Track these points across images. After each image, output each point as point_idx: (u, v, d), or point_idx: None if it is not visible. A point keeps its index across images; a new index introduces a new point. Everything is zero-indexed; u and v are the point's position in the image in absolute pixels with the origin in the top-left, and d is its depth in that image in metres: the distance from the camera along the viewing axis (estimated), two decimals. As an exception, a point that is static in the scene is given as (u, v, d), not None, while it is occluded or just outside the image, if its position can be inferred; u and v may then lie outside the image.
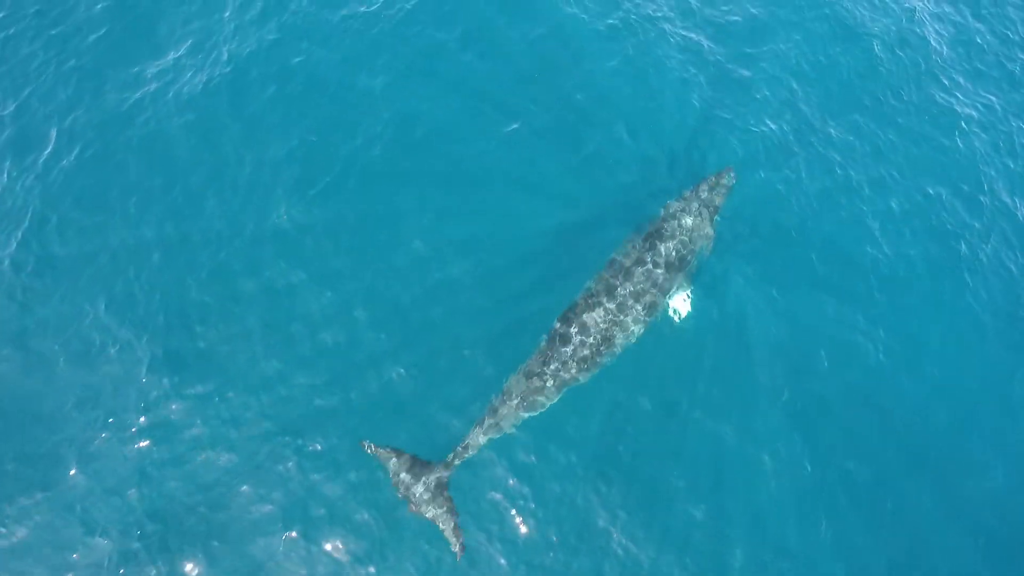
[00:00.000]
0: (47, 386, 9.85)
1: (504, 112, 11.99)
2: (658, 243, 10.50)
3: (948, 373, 10.63)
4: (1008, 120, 12.88)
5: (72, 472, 9.37)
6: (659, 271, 10.32)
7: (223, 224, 10.85)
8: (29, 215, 10.80)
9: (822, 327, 10.79)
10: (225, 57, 12.10)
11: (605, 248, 10.67)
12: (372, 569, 9.00)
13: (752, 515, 9.58)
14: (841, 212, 11.69)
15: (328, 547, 9.10)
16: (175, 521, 9.19)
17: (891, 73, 13.05)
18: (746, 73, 12.74)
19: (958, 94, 12.99)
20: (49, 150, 11.29)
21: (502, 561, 9.07)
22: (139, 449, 9.51)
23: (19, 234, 10.67)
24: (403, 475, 9.18)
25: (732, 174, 11.32)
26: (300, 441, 9.61)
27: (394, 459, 9.26)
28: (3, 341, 10.05)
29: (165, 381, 9.84)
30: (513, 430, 9.62)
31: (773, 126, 12.30)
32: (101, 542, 9.05)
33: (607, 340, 9.90)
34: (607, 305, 10.00)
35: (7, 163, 11.26)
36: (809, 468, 9.87)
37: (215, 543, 9.12)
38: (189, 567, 8.98)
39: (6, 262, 10.49)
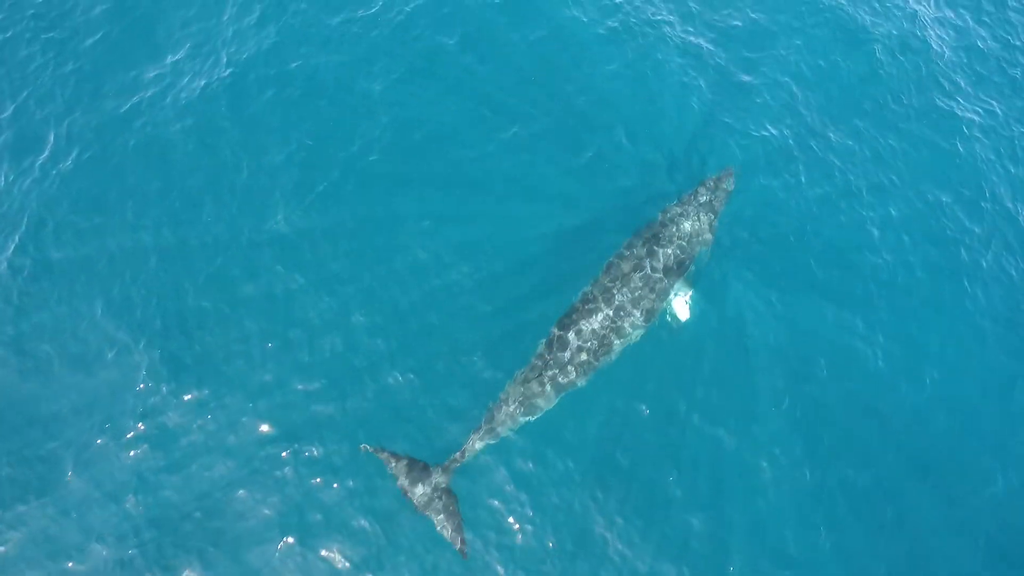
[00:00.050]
0: (44, 390, 9.82)
1: (503, 115, 11.96)
2: (657, 248, 10.47)
3: (948, 379, 10.58)
4: (1009, 125, 12.83)
5: (68, 477, 9.33)
6: (658, 276, 10.28)
7: (221, 228, 10.82)
8: (26, 218, 10.78)
9: (822, 332, 10.75)
10: (223, 61, 12.07)
11: (604, 252, 10.63)
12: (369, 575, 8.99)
13: (751, 522, 9.54)
14: (841, 217, 11.65)
15: (325, 553, 9.07)
16: (172, 527, 9.16)
17: (892, 78, 13.01)
18: (746, 77, 12.71)
19: (959, 99, 12.95)
20: (46, 153, 11.27)
21: (499, 568, 9.04)
22: (136, 454, 9.48)
23: (16, 237, 10.64)
24: (403, 478, 9.18)
25: (731, 179, 11.28)
26: (297, 447, 9.58)
27: (393, 463, 9.25)
28: None
29: (162, 386, 9.81)
30: (511, 434, 9.60)
31: (773, 130, 12.26)
32: (97, 548, 9.02)
33: (605, 345, 9.87)
34: (605, 310, 9.96)
35: (4, 166, 11.24)
36: (808, 475, 9.83)
37: (212, 549, 9.09)
38: (186, 574, 8.94)
39: (3, 265, 10.47)
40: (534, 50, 12.56)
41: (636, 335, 10.11)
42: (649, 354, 10.29)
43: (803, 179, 11.88)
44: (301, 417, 9.76)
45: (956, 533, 9.73)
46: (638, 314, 10.07)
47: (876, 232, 11.52)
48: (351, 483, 9.39)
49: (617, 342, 9.97)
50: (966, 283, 11.26)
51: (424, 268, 10.77)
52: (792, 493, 9.72)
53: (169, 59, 12.07)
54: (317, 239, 10.86)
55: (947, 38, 13.68)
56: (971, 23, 14.03)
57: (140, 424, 9.62)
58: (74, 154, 11.26)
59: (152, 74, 11.92)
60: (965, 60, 13.46)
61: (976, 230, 11.68)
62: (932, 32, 13.63)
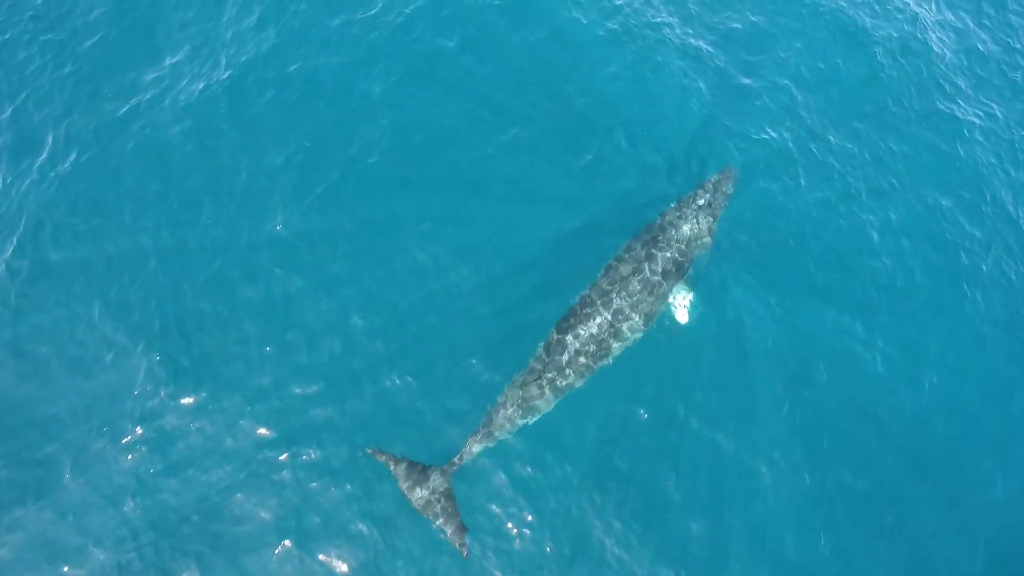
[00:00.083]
0: (41, 392, 9.81)
1: (503, 117, 11.94)
2: (656, 251, 10.44)
3: (947, 383, 10.56)
4: (1010, 128, 12.80)
5: (66, 480, 9.31)
6: (656, 279, 10.26)
7: (220, 231, 10.79)
8: (24, 220, 10.75)
9: (821, 336, 10.73)
10: (222, 63, 12.05)
11: (603, 255, 10.62)
12: (367, 580, 8.97)
13: (750, 526, 9.52)
14: (841, 220, 11.63)
15: (323, 558, 9.05)
16: (170, 531, 9.14)
17: (892, 80, 12.98)
18: (746, 80, 12.68)
19: (960, 101, 12.92)
20: (45, 155, 11.25)
21: (497, 573, 9.02)
22: (134, 457, 9.47)
23: (14, 239, 10.62)
24: (404, 481, 9.18)
25: (731, 182, 11.25)
26: (296, 450, 9.56)
27: (393, 465, 9.26)
28: (-2, 347, 10.03)
29: (161, 389, 9.80)
30: (510, 437, 9.59)
31: (773, 133, 12.24)
32: (95, 551, 9.00)
33: (603, 349, 9.86)
34: (604, 314, 9.94)
35: (2, 168, 11.21)
36: (808, 479, 9.81)
37: (210, 553, 9.07)
38: (183, 577, 8.95)
39: (1, 267, 10.45)
40: (534, 52, 12.53)
41: (634, 338, 10.10)
42: (648, 357, 10.28)
43: (803, 182, 11.86)
44: (299, 420, 9.74)
45: (956, 537, 9.72)
46: (637, 317, 10.05)
47: (876, 236, 11.50)
48: (349, 487, 9.37)
49: (615, 345, 9.96)
50: (965, 287, 11.23)
51: (423, 270, 10.75)
52: (791, 497, 9.70)
53: (168, 61, 12.05)
54: (316, 241, 10.84)
55: (947, 41, 13.65)
56: (972, 26, 14.01)
57: (138, 427, 9.61)
58: (72, 156, 11.24)
59: (151, 76, 11.90)
60: (966, 63, 13.43)
61: (976, 234, 11.65)
62: (932, 35, 13.60)
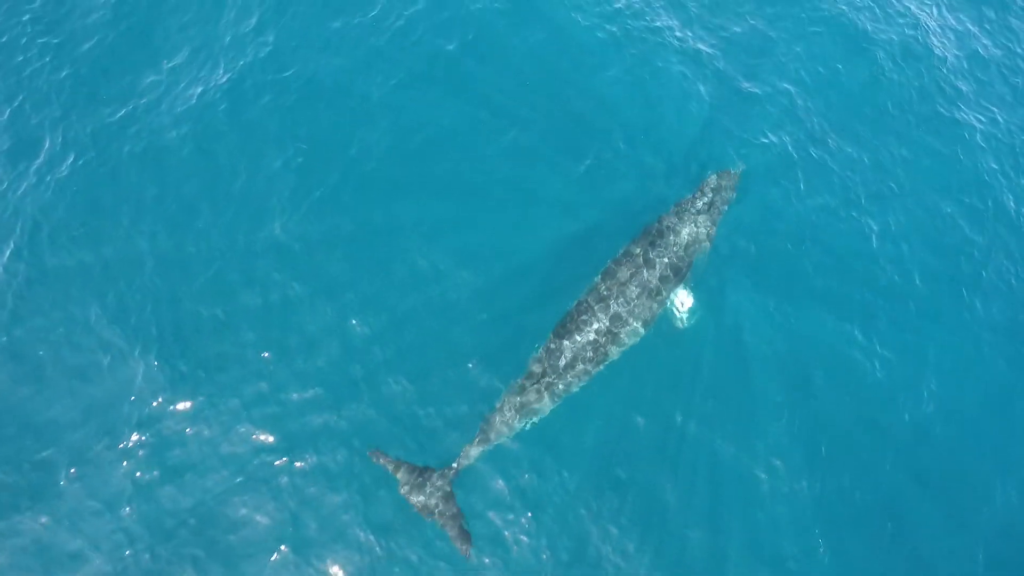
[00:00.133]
0: (38, 397, 9.79)
1: (502, 120, 11.90)
2: (654, 255, 10.41)
3: (947, 389, 10.51)
4: (1011, 133, 12.75)
5: (63, 485, 9.29)
6: (655, 283, 10.23)
7: (217, 235, 10.76)
8: (21, 223, 10.73)
9: (820, 342, 10.69)
10: (221, 66, 12.01)
11: (602, 259, 10.59)
12: (363, 585, 8.95)
13: (748, 534, 9.49)
14: (840, 225, 11.58)
15: (320, 564, 9.04)
16: (166, 536, 9.12)
17: (893, 84, 12.92)
18: (746, 84, 12.64)
19: (961, 105, 12.87)
20: (42, 158, 11.21)
21: (493, 580, 9.02)
22: (130, 462, 9.45)
23: (11, 243, 10.60)
24: (405, 484, 9.20)
25: (733, 187, 11.21)
26: (293, 455, 9.54)
27: (394, 468, 9.28)
28: (-6, 351, 10.00)
29: (158, 393, 9.77)
30: (508, 442, 9.57)
31: (773, 137, 12.20)
32: (91, 557, 8.99)
33: (601, 353, 9.85)
34: (602, 318, 9.92)
35: None
36: (806, 485, 9.77)
37: (207, 559, 9.06)
38: (180, 583, 8.93)
39: (-2, 271, 10.44)
40: (533, 55, 12.49)
41: (632, 343, 10.07)
42: (646, 362, 10.25)
43: (802, 186, 11.81)
44: (297, 425, 9.72)
45: (956, 544, 9.68)
46: (634, 322, 10.02)
47: (875, 241, 11.46)
48: (347, 493, 9.35)
49: (614, 350, 9.95)
50: (965, 292, 11.18)
51: (421, 274, 10.72)
52: (790, 504, 9.66)
53: (166, 64, 12.01)
54: (314, 245, 10.81)
55: (948, 45, 13.60)
56: (973, 30, 13.95)
57: (135, 431, 9.58)
58: (70, 159, 11.21)
59: (149, 79, 11.85)
60: (966, 67, 13.38)
61: (976, 239, 11.60)
62: (933, 39, 13.54)
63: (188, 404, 9.74)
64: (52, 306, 10.25)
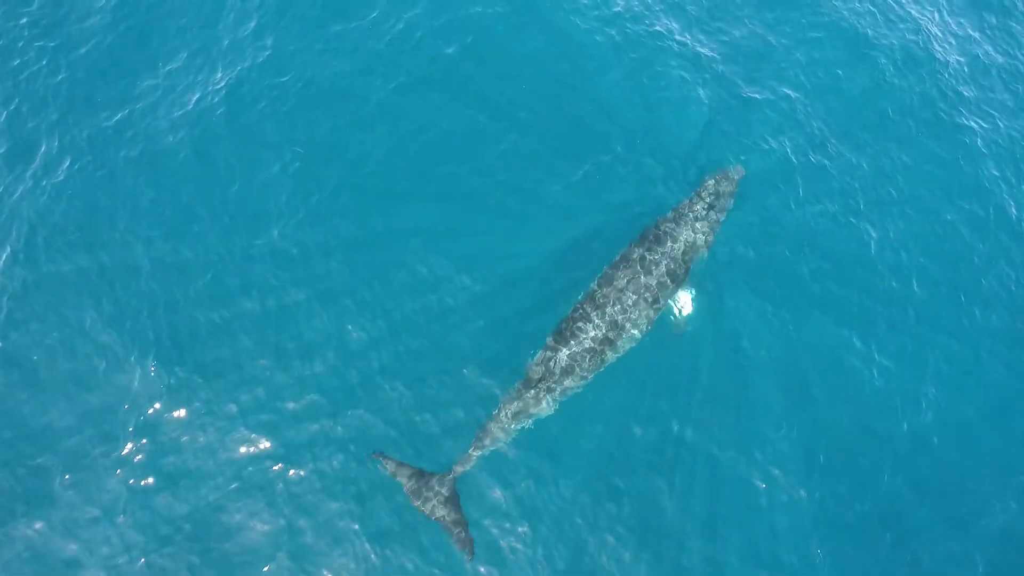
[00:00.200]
0: (33, 402, 9.76)
1: (502, 124, 11.85)
2: (652, 259, 10.38)
3: (946, 397, 10.47)
4: (1013, 139, 12.68)
5: (58, 491, 9.27)
6: (653, 288, 10.20)
7: (215, 240, 10.72)
8: (17, 228, 10.68)
9: (819, 349, 10.65)
10: (219, 70, 11.96)
11: (600, 264, 10.55)
12: (360, 594, 8.93)
13: (746, 543, 9.45)
14: (840, 231, 11.52)
15: (316, 570, 9.02)
16: (162, 543, 9.09)
17: (893, 90, 12.87)
18: (746, 88, 12.59)
19: (962, 111, 12.81)
20: (38, 162, 11.16)
21: (490, 589, 8.99)
22: (127, 469, 9.42)
23: (7, 247, 10.56)
24: (408, 487, 9.22)
25: (733, 190, 11.17)
26: (290, 462, 9.53)
27: (397, 471, 9.28)
28: (-11, 357, 9.97)
29: (154, 399, 9.75)
30: (505, 448, 9.55)
31: (772, 142, 12.15)
32: (87, 563, 8.97)
33: (599, 358, 9.83)
34: (600, 323, 9.89)
35: (-4, 175, 11.17)
36: (804, 495, 9.73)
37: (203, 566, 9.03)
38: (175, 590, 8.91)
39: (-6, 275, 10.40)
40: (533, 59, 12.44)
41: (630, 347, 10.04)
42: (644, 369, 10.22)
43: (802, 192, 11.77)
44: (294, 432, 9.69)
45: (955, 552, 9.65)
46: (632, 327, 9.99)
47: (875, 247, 11.41)
48: (343, 500, 9.34)
49: (611, 354, 9.92)
50: (964, 299, 11.14)
51: (419, 280, 10.69)
52: (788, 512, 9.63)
53: (164, 68, 11.95)
54: (312, 250, 10.78)
55: (950, 50, 13.53)
56: (974, 35, 13.89)
57: (131, 438, 9.56)
58: (66, 163, 11.16)
59: (146, 83, 11.80)
60: (968, 73, 13.31)
61: (976, 246, 11.54)
62: (935, 44, 13.48)
63: (184, 410, 9.72)
64: (48, 311, 10.21)
